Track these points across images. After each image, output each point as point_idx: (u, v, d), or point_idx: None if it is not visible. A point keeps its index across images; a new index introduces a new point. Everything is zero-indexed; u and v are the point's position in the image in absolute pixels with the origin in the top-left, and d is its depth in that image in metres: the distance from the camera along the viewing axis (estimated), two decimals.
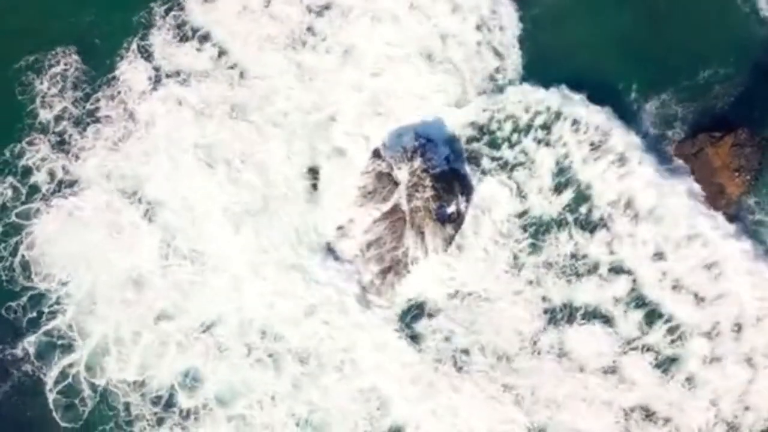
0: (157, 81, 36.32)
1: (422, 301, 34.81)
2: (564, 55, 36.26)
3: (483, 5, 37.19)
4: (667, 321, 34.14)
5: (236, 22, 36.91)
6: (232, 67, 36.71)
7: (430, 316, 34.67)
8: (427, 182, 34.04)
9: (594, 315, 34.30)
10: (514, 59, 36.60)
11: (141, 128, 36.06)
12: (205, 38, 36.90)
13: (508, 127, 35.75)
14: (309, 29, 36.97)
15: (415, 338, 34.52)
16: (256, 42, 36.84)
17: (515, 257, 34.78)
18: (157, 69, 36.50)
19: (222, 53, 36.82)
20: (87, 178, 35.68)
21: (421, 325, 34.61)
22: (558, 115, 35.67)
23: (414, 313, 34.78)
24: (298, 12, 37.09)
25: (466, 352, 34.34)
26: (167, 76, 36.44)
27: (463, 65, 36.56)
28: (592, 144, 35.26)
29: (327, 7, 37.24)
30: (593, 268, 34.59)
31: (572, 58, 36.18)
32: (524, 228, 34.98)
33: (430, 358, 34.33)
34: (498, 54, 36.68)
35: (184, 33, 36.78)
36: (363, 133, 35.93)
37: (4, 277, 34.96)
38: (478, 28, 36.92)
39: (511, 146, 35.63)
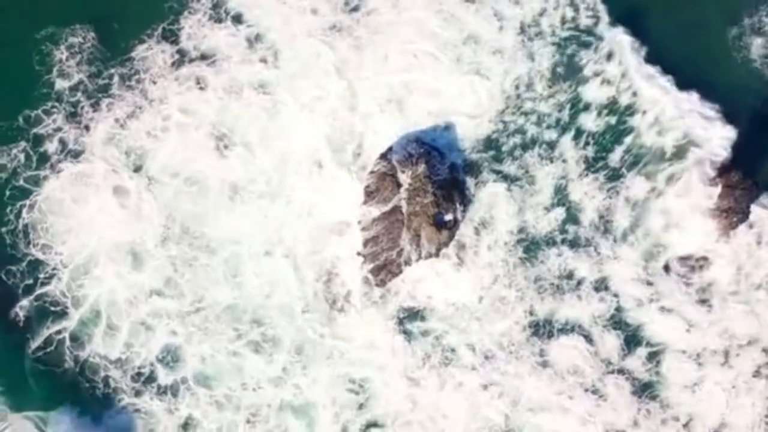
0: (179, 63, 36.62)
1: (414, 300, 35.83)
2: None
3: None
4: (648, 344, 35.81)
5: (273, 7, 37.51)
6: (264, 49, 37.10)
7: (422, 315, 35.80)
8: (429, 188, 35.02)
9: (576, 331, 35.81)
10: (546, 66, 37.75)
11: (154, 106, 36.34)
12: (238, 20, 37.30)
13: (513, 141, 36.92)
14: (339, 23, 37.55)
15: (406, 334, 35.64)
16: (290, 28, 37.24)
17: (507, 269, 36.00)
18: (181, 52, 36.77)
19: (255, 36, 37.16)
20: (95, 149, 35.99)
21: (412, 323, 35.75)
22: (564, 130, 37.14)
23: (406, 312, 35.82)
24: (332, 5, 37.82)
25: (453, 349, 35.64)
26: (191, 60, 36.75)
27: (489, 74, 37.51)
28: (586, 160, 36.89)
29: (358, 6, 37.90)
30: (579, 286, 36.03)
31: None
32: (518, 241, 36.16)
33: (419, 353, 35.54)
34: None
35: (219, 15, 37.17)
36: (377, 132, 36.72)
37: (8, 241, 35.17)
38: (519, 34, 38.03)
39: (514, 160, 36.79)
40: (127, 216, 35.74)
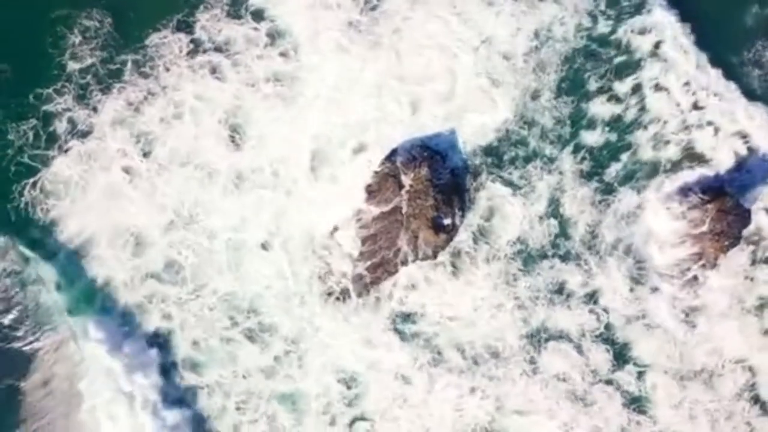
0: (194, 53, 36.77)
1: (407, 306, 36.67)
2: None
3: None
4: (636, 362, 36.80)
5: (295, 2, 37.64)
6: (282, 44, 37.25)
7: (414, 319, 36.64)
8: (430, 191, 35.70)
9: (567, 340, 36.75)
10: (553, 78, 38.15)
11: (167, 93, 36.56)
12: (258, 15, 37.38)
13: (515, 150, 37.46)
14: (359, 21, 37.68)
15: (399, 334, 36.52)
16: (311, 23, 37.44)
17: (503, 278, 36.84)
18: (195, 42, 36.88)
19: (275, 30, 37.29)
20: (105, 130, 36.28)
21: (404, 324, 36.60)
22: (565, 143, 37.77)
23: (398, 314, 36.64)
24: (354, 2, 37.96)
25: (441, 353, 36.55)
26: (205, 51, 36.90)
27: (500, 81, 37.85)
28: (582, 173, 37.60)
29: (378, 5, 37.94)
30: (569, 299, 36.93)
31: None
32: (515, 252, 36.94)
33: (410, 353, 36.44)
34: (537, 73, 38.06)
35: (237, 12, 37.22)
36: (384, 132, 37.15)
37: (13, 218, 35.62)
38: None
39: (515, 169, 37.35)
40: (133, 198, 36.18)
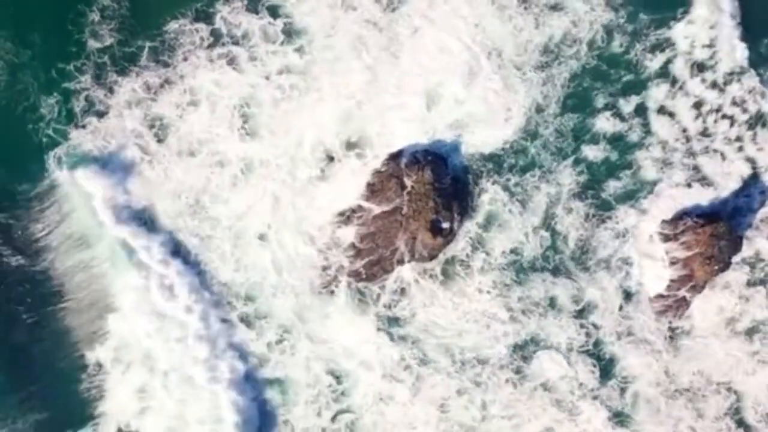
0: (212, 43, 37.13)
1: (398, 305, 37.60)
2: None
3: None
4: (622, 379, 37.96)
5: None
6: (298, 39, 37.66)
7: (403, 322, 37.61)
8: (431, 195, 36.44)
9: (556, 352, 37.82)
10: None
11: (184, 81, 36.92)
12: (275, 11, 37.70)
13: (517, 161, 38.17)
14: (376, 21, 38.07)
15: (389, 334, 37.49)
16: (327, 20, 37.81)
17: (495, 289, 37.78)
18: (214, 33, 37.19)
19: (291, 25, 37.68)
20: (120, 112, 36.71)
21: (394, 327, 37.53)
22: (566, 157, 38.43)
23: (388, 315, 37.57)
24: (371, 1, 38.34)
25: (427, 355, 37.57)
26: (224, 43, 37.23)
27: (509, 91, 38.41)
28: (580, 188, 38.43)
29: (397, 6, 38.28)
30: (560, 312, 37.89)
31: None
32: (509, 263, 37.87)
33: (399, 351, 37.45)
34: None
35: (255, 8, 37.50)
36: (391, 132, 37.82)
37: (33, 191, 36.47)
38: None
39: (516, 179, 38.09)
40: (147, 179, 36.86)
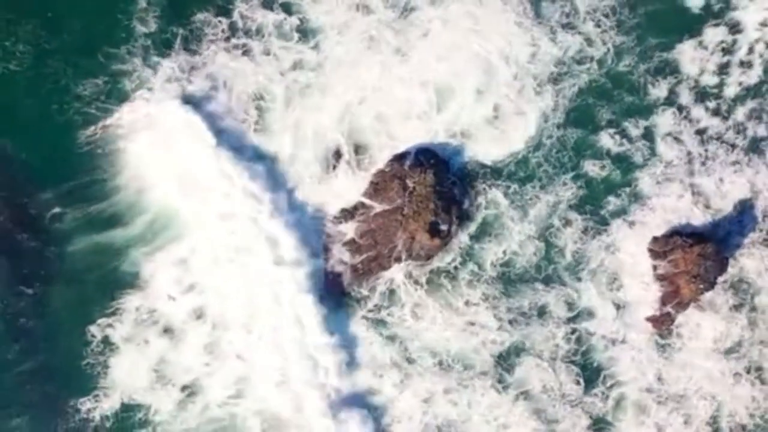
0: (231, 36, 38.60)
1: (385, 309, 38.82)
2: None
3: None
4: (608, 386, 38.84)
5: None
6: (310, 37, 39.00)
7: (391, 323, 38.80)
8: (431, 197, 37.71)
9: (541, 360, 38.80)
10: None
11: (206, 67, 38.39)
12: (289, 8, 39.13)
13: (519, 171, 39.31)
14: (389, 23, 39.29)
15: (376, 332, 38.75)
16: (339, 20, 39.09)
17: (484, 296, 38.86)
18: (232, 26, 38.66)
19: (303, 23, 39.02)
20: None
21: (380, 328, 38.73)
22: (567, 171, 39.54)
23: (375, 317, 38.81)
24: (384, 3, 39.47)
25: (418, 353, 38.71)
26: (239, 37, 38.69)
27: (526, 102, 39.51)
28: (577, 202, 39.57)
29: (412, 9, 39.47)
30: (549, 322, 38.93)
31: None
32: (501, 269, 38.97)
33: (389, 350, 38.70)
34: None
35: (271, 3, 39.00)
36: (396, 133, 39.03)
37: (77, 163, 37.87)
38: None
39: (515, 186, 39.25)
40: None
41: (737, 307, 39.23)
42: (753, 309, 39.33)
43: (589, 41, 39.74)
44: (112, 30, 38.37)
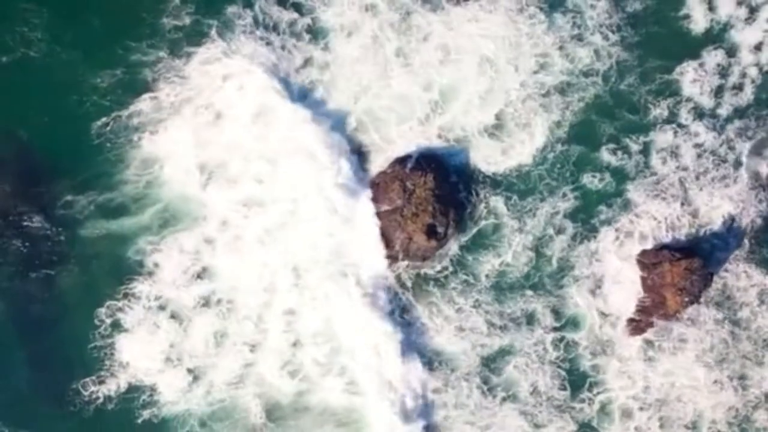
0: (254, 26, 39.70)
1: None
2: None
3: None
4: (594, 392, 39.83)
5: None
6: (319, 37, 40.04)
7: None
8: (431, 200, 38.83)
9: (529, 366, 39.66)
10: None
11: (235, 55, 39.30)
12: (299, 8, 40.24)
13: (518, 182, 40.38)
14: (397, 24, 40.36)
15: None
16: (351, 20, 40.18)
17: (475, 300, 39.79)
18: (255, 19, 39.79)
19: (314, 21, 40.04)
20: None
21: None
22: (565, 183, 40.76)
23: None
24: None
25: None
26: (256, 29, 39.79)
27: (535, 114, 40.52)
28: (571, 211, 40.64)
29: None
30: (536, 329, 39.84)
31: None
32: (492, 278, 39.93)
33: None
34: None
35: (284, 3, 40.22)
36: (400, 136, 40.02)
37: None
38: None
39: (513, 196, 40.31)
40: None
41: (721, 322, 40.33)
42: (736, 323, 40.50)
43: (597, 54, 40.93)
44: (134, 21, 39.28)
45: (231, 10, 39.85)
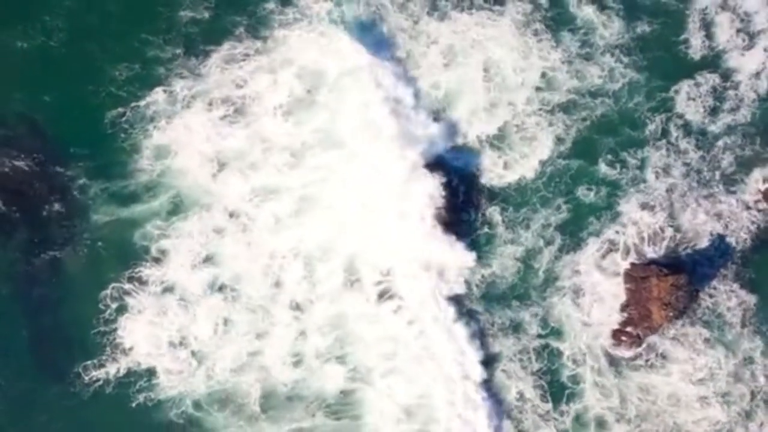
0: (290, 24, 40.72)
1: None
2: None
3: None
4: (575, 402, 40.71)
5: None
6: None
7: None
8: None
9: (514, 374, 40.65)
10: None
11: (267, 54, 40.19)
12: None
13: (517, 195, 41.54)
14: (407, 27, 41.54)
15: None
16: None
17: (465, 307, 40.68)
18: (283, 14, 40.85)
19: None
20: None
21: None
22: (559, 196, 41.76)
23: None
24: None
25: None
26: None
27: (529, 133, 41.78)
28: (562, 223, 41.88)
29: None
30: (522, 339, 40.86)
31: None
32: (483, 288, 40.88)
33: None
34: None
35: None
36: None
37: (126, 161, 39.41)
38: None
39: (511, 204, 41.49)
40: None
41: (707, 341, 41.47)
42: (721, 342, 41.64)
43: (611, 75, 42.30)
44: (152, 17, 40.05)
45: (269, 6, 40.66)
